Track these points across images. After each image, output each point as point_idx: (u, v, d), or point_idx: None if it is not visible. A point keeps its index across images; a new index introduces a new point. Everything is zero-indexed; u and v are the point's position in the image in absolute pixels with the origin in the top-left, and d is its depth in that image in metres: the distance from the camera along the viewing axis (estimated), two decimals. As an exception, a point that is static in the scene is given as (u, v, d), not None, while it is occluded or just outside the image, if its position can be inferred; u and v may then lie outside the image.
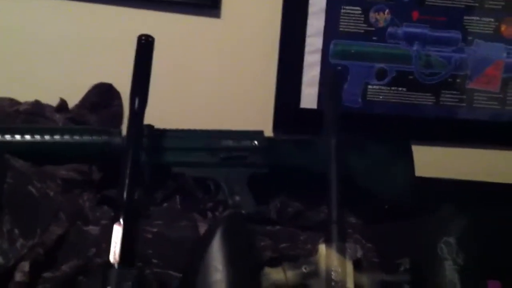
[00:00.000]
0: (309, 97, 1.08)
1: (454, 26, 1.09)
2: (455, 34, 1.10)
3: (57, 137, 0.85)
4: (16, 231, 0.72)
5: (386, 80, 1.10)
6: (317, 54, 1.08)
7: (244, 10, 1.06)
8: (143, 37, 0.82)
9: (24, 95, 0.96)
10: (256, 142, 0.92)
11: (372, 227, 0.89)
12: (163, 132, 0.89)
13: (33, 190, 0.76)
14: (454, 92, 1.11)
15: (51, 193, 0.76)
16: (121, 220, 0.69)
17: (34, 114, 0.92)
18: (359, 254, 0.76)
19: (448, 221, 0.84)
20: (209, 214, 0.85)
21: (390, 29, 1.09)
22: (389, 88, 1.10)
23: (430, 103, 1.11)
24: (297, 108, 1.08)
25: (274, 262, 0.78)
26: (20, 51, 1.04)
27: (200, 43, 1.06)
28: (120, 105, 0.99)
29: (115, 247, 0.68)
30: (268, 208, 0.91)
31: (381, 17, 1.08)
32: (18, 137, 0.84)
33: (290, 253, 0.82)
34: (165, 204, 0.86)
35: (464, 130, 1.12)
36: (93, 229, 0.76)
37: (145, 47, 0.82)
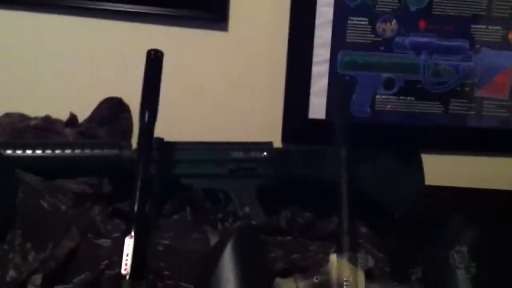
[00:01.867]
0: (317, 107, 1.09)
1: (461, 35, 1.09)
2: (463, 43, 1.10)
3: (68, 151, 0.86)
4: (28, 244, 0.72)
5: (394, 90, 1.10)
6: (325, 65, 1.08)
7: (251, 22, 1.07)
8: (152, 52, 0.83)
9: (34, 110, 0.97)
10: (265, 153, 0.92)
11: (383, 236, 0.88)
12: (173, 145, 0.90)
13: (44, 204, 0.76)
14: (463, 100, 1.11)
15: (63, 207, 0.77)
16: (133, 233, 0.70)
17: (44, 129, 0.93)
18: (371, 263, 0.76)
19: (459, 230, 0.83)
20: (219, 226, 0.85)
21: (397, 39, 1.09)
22: (397, 97, 1.10)
23: (439, 111, 1.11)
24: (305, 119, 1.08)
25: (286, 273, 0.78)
26: (30, 66, 1.05)
27: (208, 56, 1.07)
28: (129, 119, 1.00)
29: (127, 259, 0.68)
30: (278, 219, 0.90)
31: (388, 28, 1.09)
32: (29, 152, 0.85)
33: (301, 263, 0.82)
34: (175, 216, 0.86)
35: (473, 138, 1.12)
36: (104, 242, 0.77)
37: (154, 61, 0.83)
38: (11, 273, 0.69)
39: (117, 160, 0.87)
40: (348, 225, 0.78)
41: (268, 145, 0.93)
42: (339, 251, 0.76)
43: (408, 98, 1.11)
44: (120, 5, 1.03)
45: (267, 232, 0.85)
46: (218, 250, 0.73)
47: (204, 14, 1.05)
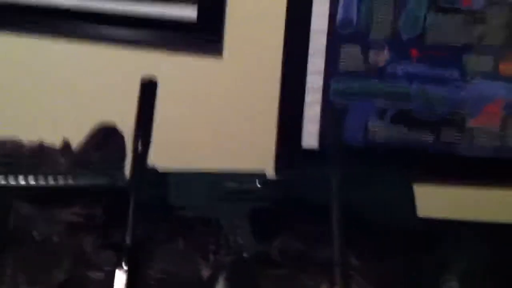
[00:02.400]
0: (310, 135, 1.09)
1: (453, 64, 1.10)
2: (454, 72, 1.11)
3: (60, 180, 0.86)
4: (19, 275, 0.72)
5: (386, 118, 1.11)
6: (318, 93, 1.09)
7: (246, 49, 1.08)
8: (146, 79, 0.83)
9: (28, 135, 0.96)
10: (258, 182, 0.92)
11: (374, 268, 0.88)
12: (165, 173, 0.90)
13: (36, 234, 0.76)
14: (454, 129, 1.12)
15: (55, 238, 0.77)
16: (125, 265, 0.69)
17: (37, 156, 0.92)
18: (361, 298, 0.76)
19: (449, 263, 0.83)
20: (212, 257, 0.85)
21: (389, 68, 1.10)
22: (389, 125, 1.11)
23: (430, 140, 1.12)
24: (298, 147, 1.09)
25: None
26: (24, 91, 1.05)
27: (202, 82, 1.07)
28: (124, 145, 1.00)
29: (118, 292, 0.68)
30: (270, 249, 0.90)
31: (380, 56, 1.10)
32: (22, 181, 0.84)
33: (293, 296, 0.82)
34: (167, 246, 0.85)
35: (464, 167, 1.12)
36: (96, 275, 0.76)
37: (148, 89, 0.83)
38: (2, 306, 0.69)
39: (110, 189, 0.87)
40: (339, 257, 0.78)
41: (261, 174, 0.93)
42: (330, 284, 0.77)
43: (400, 126, 1.11)
44: (115, 30, 1.04)
45: (259, 263, 0.85)
46: (211, 283, 0.73)
47: (199, 41, 1.06)
